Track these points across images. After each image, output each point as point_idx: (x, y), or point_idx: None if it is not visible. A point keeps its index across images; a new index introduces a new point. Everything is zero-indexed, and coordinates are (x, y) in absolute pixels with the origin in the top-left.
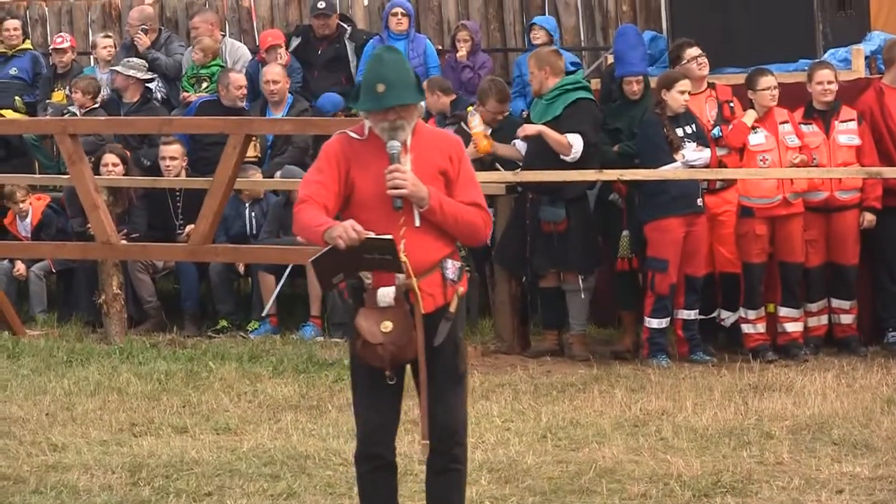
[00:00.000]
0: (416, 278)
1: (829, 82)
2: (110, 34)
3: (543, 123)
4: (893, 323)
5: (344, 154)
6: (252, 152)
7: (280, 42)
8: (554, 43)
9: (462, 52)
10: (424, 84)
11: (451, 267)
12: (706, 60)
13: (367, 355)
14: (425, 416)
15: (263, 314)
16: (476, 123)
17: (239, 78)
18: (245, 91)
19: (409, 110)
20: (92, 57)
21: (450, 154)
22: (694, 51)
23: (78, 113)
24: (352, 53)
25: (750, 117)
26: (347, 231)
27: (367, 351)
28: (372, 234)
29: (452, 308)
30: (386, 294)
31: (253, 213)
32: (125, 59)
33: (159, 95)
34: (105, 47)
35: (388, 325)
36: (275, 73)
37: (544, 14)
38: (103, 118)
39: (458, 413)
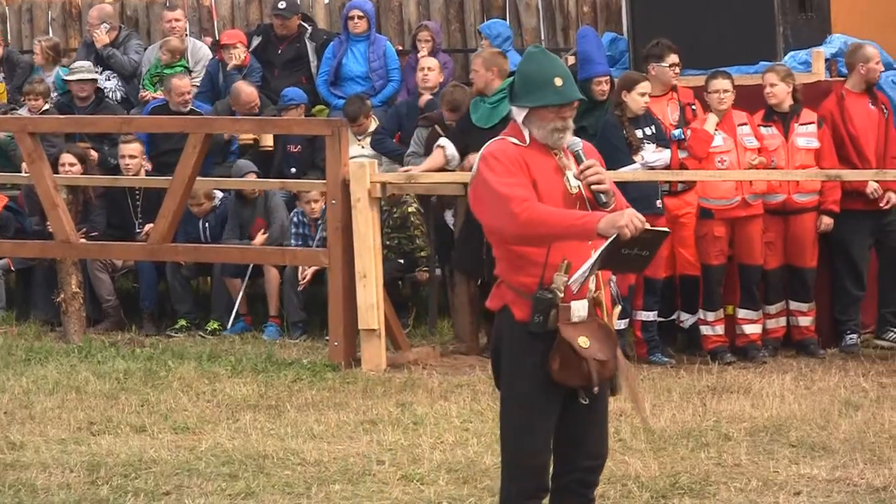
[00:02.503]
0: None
1: (772, 85)
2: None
3: (492, 127)
4: (852, 326)
5: (521, 157)
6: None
7: (236, 41)
8: (504, 47)
9: (423, 53)
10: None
11: (614, 280)
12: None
13: (568, 374)
14: (644, 410)
15: (231, 323)
16: None
17: (181, 84)
18: (188, 97)
19: (575, 109)
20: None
21: (599, 160)
22: (674, 57)
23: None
24: (312, 53)
25: (711, 123)
26: (634, 219)
27: (568, 369)
28: (649, 225)
29: (613, 324)
30: (580, 308)
31: (207, 223)
32: (73, 66)
33: (118, 94)
34: (44, 48)
35: (585, 341)
36: (249, 94)
37: (505, 15)
38: (64, 117)
39: (606, 441)
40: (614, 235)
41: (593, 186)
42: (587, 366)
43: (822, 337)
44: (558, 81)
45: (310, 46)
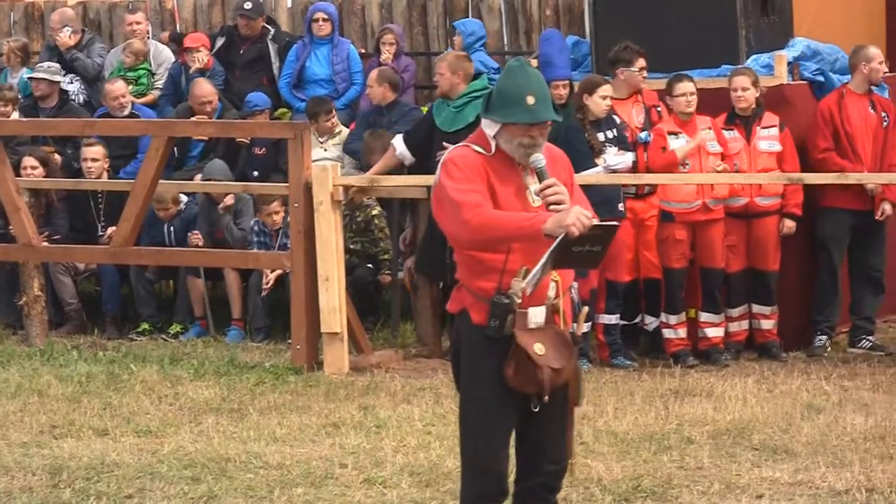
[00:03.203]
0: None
1: (744, 89)
2: (18, 38)
3: (456, 131)
4: (825, 327)
5: (483, 166)
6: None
7: (199, 45)
8: (475, 47)
9: (387, 56)
10: (376, 73)
11: (575, 287)
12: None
13: (522, 381)
14: (571, 437)
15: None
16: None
17: (113, 89)
18: (123, 100)
19: (548, 128)
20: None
21: (564, 166)
22: (643, 62)
23: None
24: (274, 55)
25: (681, 151)
26: (580, 217)
27: (522, 376)
28: (597, 221)
29: (579, 330)
30: (537, 314)
31: (172, 227)
32: (38, 65)
33: (81, 98)
34: (12, 48)
35: (541, 348)
36: (205, 90)
37: (468, 18)
38: (27, 119)
39: (568, 445)
40: (562, 235)
41: (551, 207)
42: (541, 373)
43: (784, 340)
44: (531, 100)
45: (272, 48)
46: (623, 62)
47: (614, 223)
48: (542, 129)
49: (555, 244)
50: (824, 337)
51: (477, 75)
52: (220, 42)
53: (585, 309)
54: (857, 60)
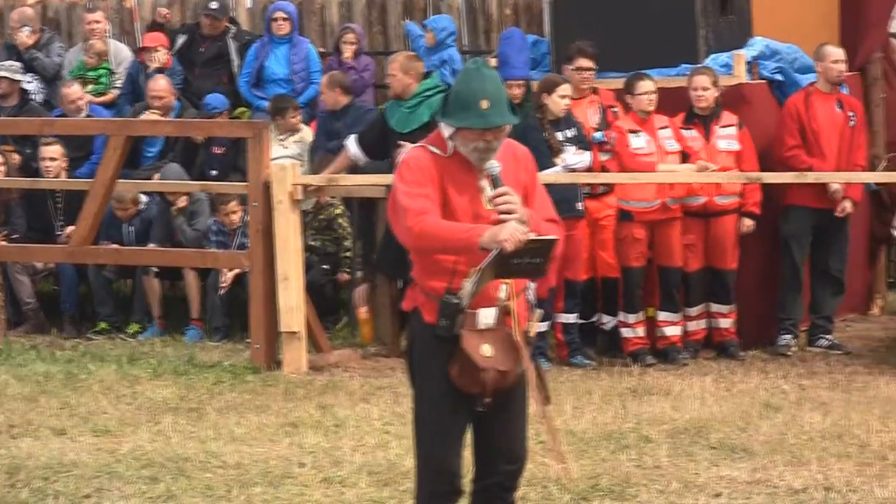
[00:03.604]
0: (513, 300)
1: (705, 88)
2: None
3: (410, 132)
4: (789, 326)
5: (437, 168)
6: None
7: (157, 45)
8: (447, 43)
9: (348, 55)
10: (326, 79)
11: (532, 288)
12: (592, 75)
13: (465, 381)
14: (556, 437)
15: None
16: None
17: (69, 93)
18: (80, 103)
19: (504, 131)
20: None
21: (526, 166)
22: (584, 62)
23: None
24: (235, 53)
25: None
26: (514, 232)
27: (466, 377)
28: (534, 235)
29: (533, 332)
30: (487, 315)
31: (132, 227)
32: (1, 63)
33: (40, 97)
34: None
35: (488, 349)
36: (160, 86)
37: (425, 18)
38: None
39: (525, 445)
40: (497, 249)
41: (501, 216)
42: (485, 375)
43: (743, 339)
44: (484, 104)
45: (232, 46)
46: (565, 60)
47: (551, 237)
48: (496, 134)
49: (488, 258)
50: (789, 336)
51: (427, 74)
52: (181, 40)
53: (539, 311)
54: (816, 59)
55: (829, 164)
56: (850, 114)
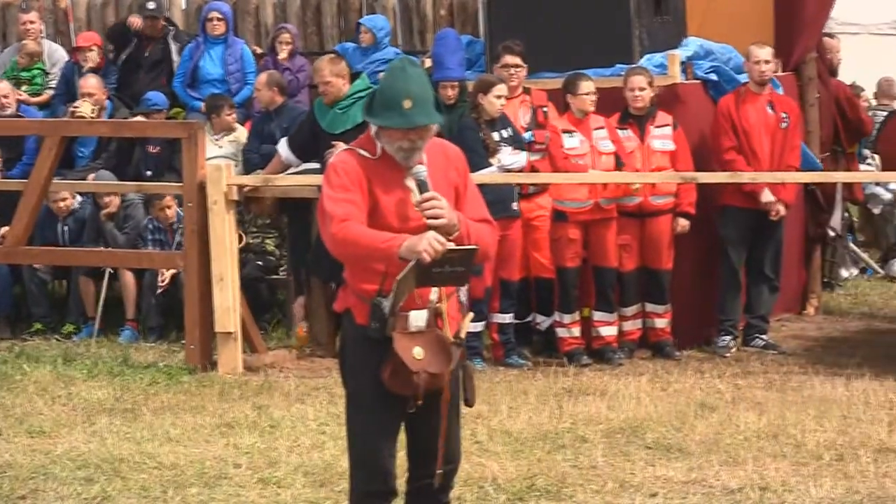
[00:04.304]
0: (444, 302)
1: (641, 88)
2: None
3: (343, 133)
4: (728, 327)
5: (364, 172)
6: None
7: (91, 44)
8: (385, 42)
9: (283, 55)
10: (265, 77)
11: (464, 289)
12: (521, 73)
13: (397, 384)
14: (443, 444)
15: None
16: None
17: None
18: (6, 101)
19: (429, 130)
20: None
21: (457, 166)
22: (510, 59)
23: None
24: (176, 53)
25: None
26: (432, 243)
27: (398, 379)
28: (452, 245)
29: (463, 333)
30: (418, 318)
31: (66, 227)
32: None
33: None
34: None
35: (420, 352)
36: (91, 86)
37: (360, 17)
38: None
39: (458, 445)
40: (416, 259)
41: (428, 221)
42: (416, 377)
43: (678, 339)
44: (407, 104)
45: (174, 47)
46: (494, 59)
47: (471, 247)
48: (421, 133)
49: (406, 269)
50: (728, 337)
51: (356, 75)
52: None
53: (471, 314)
54: (745, 59)
55: (761, 166)
56: (783, 114)
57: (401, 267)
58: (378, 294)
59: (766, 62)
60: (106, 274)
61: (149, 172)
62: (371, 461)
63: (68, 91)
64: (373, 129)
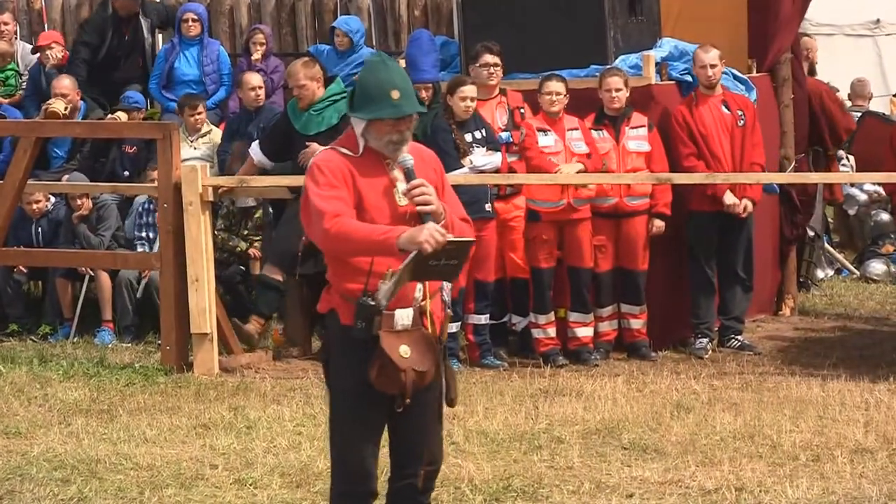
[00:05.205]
0: (429, 300)
1: (617, 89)
2: None
3: (316, 135)
4: (704, 330)
5: (349, 169)
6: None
7: (51, 42)
8: (361, 44)
9: (257, 56)
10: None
11: (447, 289)
12: (499, 72)
13: (384, 382)
14: (426, 444)
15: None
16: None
17: None
18: None
19: (413, 121)
20: None
21: (434, 167)
22: (489, 58)
23: None
24: (147, 31)
25: (573, 167)
26: (434, 234)
27: (385, 378)
28: (452, 237)
29: (444, 335)
30: (404, 316)
31: (41, 228)
32: None
33: None
34: None
35: (406, 350)
36: (64, 87)
37: (335, 19)
38: None
39: (441, 446)
40: (416, 251)
41: (419, 207)
42: (404, 375)
43: (654, 339)
44: (395, 94)
45: (144, 24)
46: (471, 59)
47: (469, 239)
48: (408, 124)
49: (408, 259)
50: (705, 339)
51: (331, 79)
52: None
53: (449, 312)
54: (693, 63)
55: (722, 167)
56: (739, 112)
57: (396, 259)
58: (363, 294)
59: (713, 66)
60: (86, 277)
61: (126, 173)
62: (352, 461)
63: (37, 91)
64: (357, 126)
